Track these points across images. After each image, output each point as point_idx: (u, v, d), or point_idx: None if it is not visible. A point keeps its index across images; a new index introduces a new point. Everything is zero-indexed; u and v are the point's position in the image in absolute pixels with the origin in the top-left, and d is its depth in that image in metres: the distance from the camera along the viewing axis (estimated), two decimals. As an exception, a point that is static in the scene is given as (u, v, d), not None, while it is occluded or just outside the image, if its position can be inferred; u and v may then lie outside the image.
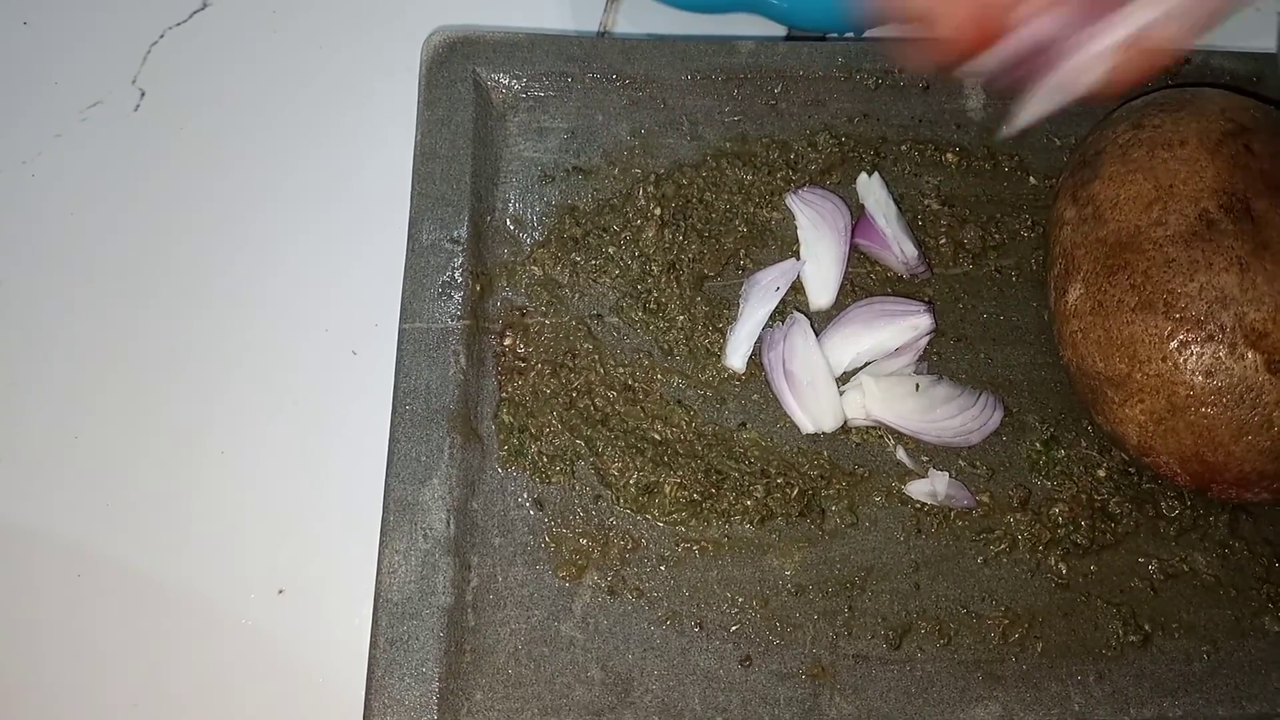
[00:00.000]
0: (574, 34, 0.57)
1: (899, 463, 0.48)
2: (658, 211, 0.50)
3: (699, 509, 0.46)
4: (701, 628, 0.45)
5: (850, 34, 0.56)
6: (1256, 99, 0.49)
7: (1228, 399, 0.43)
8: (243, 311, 0.52)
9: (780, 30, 0.58)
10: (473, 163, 0.50)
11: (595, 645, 0.44)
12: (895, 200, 0.52)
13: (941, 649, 0.45)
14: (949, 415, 0.48)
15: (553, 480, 0.47)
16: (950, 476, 0.47)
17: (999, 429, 0.49)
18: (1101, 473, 0.48)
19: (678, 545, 0.46)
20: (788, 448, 0.48)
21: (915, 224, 0.52)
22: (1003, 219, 0.52)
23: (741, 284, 0.50)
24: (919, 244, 0.51)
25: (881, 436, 0.48)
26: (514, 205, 0.51)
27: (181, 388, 0.51)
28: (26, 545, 0.48)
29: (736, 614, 0.45)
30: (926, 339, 0.49)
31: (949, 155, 0.53)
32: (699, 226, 0.51)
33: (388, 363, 0.47)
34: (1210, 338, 0.43)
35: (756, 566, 0.46)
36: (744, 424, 0.48)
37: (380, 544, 0.44)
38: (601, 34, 0.58)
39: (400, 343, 0.47)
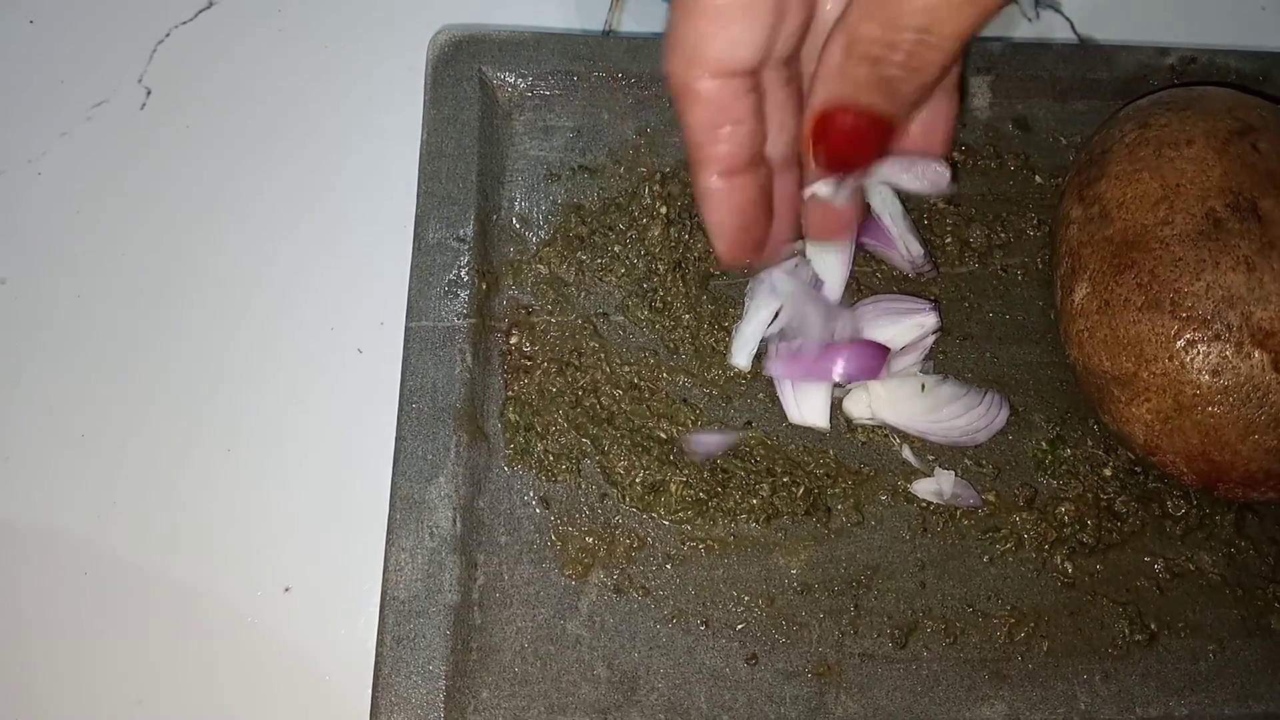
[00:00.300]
0: (579, 33, 0.57)
1: (905, 461, 0.48)
2: (663, 210, 0.50)
3: (705, 507, 0.46)
4: (707, 626, 0.45)
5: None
6: (1263, 98, 0.49)
7: (1234, 398, 0.43)
8: (248, 310, 0.52)
9: (786, 29, 0.58)
10: (479, 161, 0.50)
11: (601, 643, 0.44)
12: (901, 199, 0.52)
13: (947, 648, 0.45)
14: (955, 415, 0.48)
15: (559, 478, 0.47)
16: (956, 475, 0.47)
17: (1005, 428, 0.49)
18: (1108, 472, 0.48)
19: (684, 544, 0.46)
20: (793, 446, 0.48)
21: (921, 223, 0.52)
22: (1009, 218, 0.52)
23: (747, 283, 0.50)
24: (925, 243, 0.51)
25: (887, 435, 0.48)
26: (520, 204, 0.51)
27: (187, 386, 0.51)
28: (33, 543, 0.48)
29: (742, 612, 0.45)
30: (933, 338, 0.49)
31: (954, 154, 0.53)
32: (704, 225, 0.51)
33: (394, 361, 0.47)
34: (1217, 337, 0.43)
35: (762, 565, 0.46)
36: (750, 422, 0.48)
37: (387, 542, 0.44)
38: (607, 33, 0.58)
39: (406, 341, 0.47)
